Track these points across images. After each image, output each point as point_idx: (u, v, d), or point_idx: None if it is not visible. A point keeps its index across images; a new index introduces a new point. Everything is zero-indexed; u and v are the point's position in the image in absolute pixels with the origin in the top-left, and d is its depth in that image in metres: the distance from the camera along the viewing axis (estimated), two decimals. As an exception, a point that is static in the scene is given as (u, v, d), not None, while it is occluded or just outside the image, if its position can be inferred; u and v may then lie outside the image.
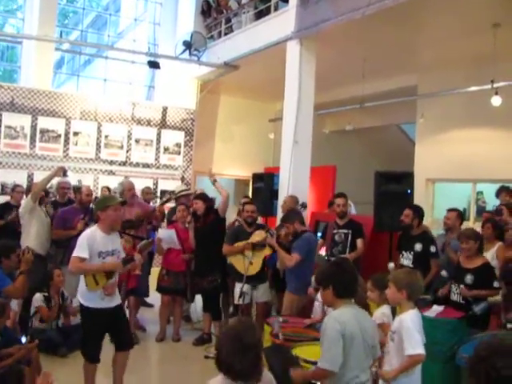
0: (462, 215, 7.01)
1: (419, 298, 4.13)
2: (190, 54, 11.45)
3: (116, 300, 4.97)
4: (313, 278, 6.43)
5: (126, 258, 5.08)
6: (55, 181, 7.61)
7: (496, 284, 5.51)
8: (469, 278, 5.62)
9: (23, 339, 4.57)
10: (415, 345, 3.67)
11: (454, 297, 5.78)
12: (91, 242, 4.73)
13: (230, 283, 7.25)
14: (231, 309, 7.83)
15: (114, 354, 5.04)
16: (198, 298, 7.51)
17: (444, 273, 6.32)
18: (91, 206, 7.64)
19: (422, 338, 3.77)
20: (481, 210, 10.68)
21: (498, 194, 7.91)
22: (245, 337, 2.90)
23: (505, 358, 1.39)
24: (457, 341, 5.31)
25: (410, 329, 3.71)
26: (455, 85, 9.45)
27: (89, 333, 4.90)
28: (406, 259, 6.49)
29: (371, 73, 9.98)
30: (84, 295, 4.81)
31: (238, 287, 6.58)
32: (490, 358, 1.40)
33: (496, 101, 8.59)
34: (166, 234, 7.23)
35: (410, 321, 3.75)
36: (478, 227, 7.20)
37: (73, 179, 9.62)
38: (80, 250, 4.69)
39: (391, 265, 6.40)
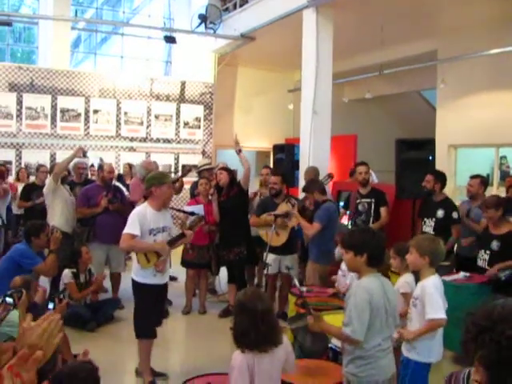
0: (485, 182, 6.94)
1: (440, 264, 4.13)
2: (206, 27, 11.37)
3: (166, 277, 5.04)
4: (337, 249, 6.48)
5: (177, 235, 5.09)
6: (73, 161, 7.67)
7: None
8: (495, 245, 5.60)
9: (50, 305, 4.63)
10: (437, 309, 3.69)
11: (480, 262, 5.77)
12: (142, 218, 4.71)
13: (260, 253, 7.27)
14: (256, 279, 7.90)
15: None
16: (223, 271, 7.59)
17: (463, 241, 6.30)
18: (114, 182, 7.73)
19: (443, 303, 3.78)
20: (505, 175, 10.56)
21: None
22: (254, 307, 2.98)
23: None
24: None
25: (432, 294, 3.73)
26: (476, 48, 9.26)
27: (144, 309, 4.92)
28: (428, 226, 6.47)
29: (390, 39, 9.84)
30: (137, 272, 4.83)
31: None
32: (496, 327, 1.38)
33: (518, 63, 8.43)
34: (194, 210, 7.19)
35: (432, 286, 3.77)
36: (502, 192, 7.15)
37: (94, 157, 9.71)
38: (131, 227, 4.67)
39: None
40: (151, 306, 4.91)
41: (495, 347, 1.36)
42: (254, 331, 2.95)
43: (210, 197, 7.31)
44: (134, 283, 4.88)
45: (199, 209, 7.11)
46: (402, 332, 3.81)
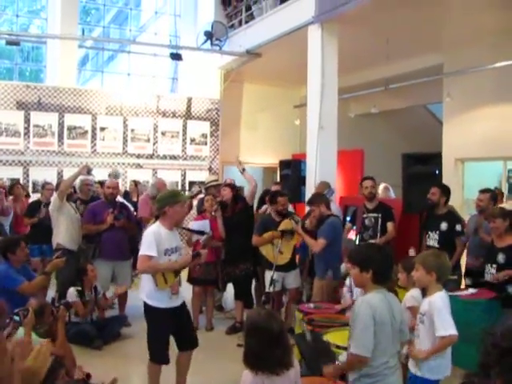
0: (495, 196, 6.90)
1: (447, 279, 4.09)
2: (212, 43, 11.43)
3: (181, 298, 4.86)
4: (343, 265, 6.44)
5: (193, 253, 5.00)
6: (78, 179, 7.68)
7: None
8: (501, 258, 5.57)
9: (16, 318, 4.52)
10: (447, 325, 3.65)
11: (488, 277, 5.72)
12: (158, 238, 4.57)
13: (260, 272, 7.27)
14: (263, 297, 7.85)
15: (177, 355, 4.94)
16: (230, 287, 7.55)
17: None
18: (119, 199, 7.73)
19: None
20: (513, 188, 10.51)
21: None
22: (269, 328, 2.92)
23: None
24: (491, 321, 5.24)
25: (441, 310, 3.69)
26: (482, 61, 9.25)
27: (159, 334, 4.73)
28: (432, 239, 6.44)
29: (395, 53, 9.85)
30: (152, 295, 4.64)
31: (268, 275, 6.58)
32: None
33: (524, 75, 8.40)
34: (200, 226, 7.16)
35: (440, 302, 3.73)
36: (510, 206, 7.10)
37: (102, 175, 9.74)
38: (148, 248, 4.52)
39: (411, 251, 6.35)
40: (167, 331, 4.75)
41: None
42: (268, 353, 2.89)
43: (213, 213, 7.29)
44: (148, 308, 4.69)
45: (205, 224, 7.10)
46: (412, 350, 3.77)
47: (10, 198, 8.89)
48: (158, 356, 4.75)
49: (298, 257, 7.22)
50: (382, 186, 9.27)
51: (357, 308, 3.37)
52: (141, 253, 4.56)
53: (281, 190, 7.84)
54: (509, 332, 1.36)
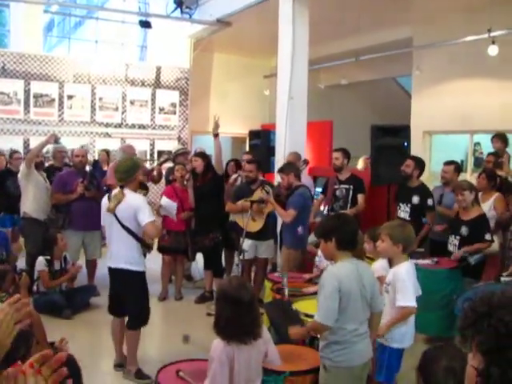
0: (459, 168, 7.03)
1: (414, 250, 4.19)
2: (182, 11, 11.23)
3: None
4: (312, 236, 6.52)
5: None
6: (51, 146, 7.59)
7: (488, 236, 5.57)
8: (464, 230, 5.70)
9: None
10: (407, 297, 3.75)
11: (451, 247, 5.86)
12: None
13: (236, 239, 7.29)
14: (234, 266, 7.92)
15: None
16: (200, 257, 7.59)
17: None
18: (88, 168, 7.66)
19: (415, 290, 3.83)
20: (478, 162, 10.70)
21: (491, 140, 7.80)
22: (239, 298, 2.96)
23: (510, 311, 1.38)
24: (451, 289, 5.42)
25: (404, 281, 3.78)
26: (451, 35, 9.33)
27: (146, 297, 5.01)
28: (403, 211, 6.54)
29: (366, 25, 9.86)
30: (136, 261, 4.85)
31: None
32: (495, 313, 1.39)
33: (493, 50, 8.48)
34: (168, 204, 7.15)
35: (404, 273, 3.82)
36: (475, 179, 7.25)
37: (70, 143, 9.61)
38: (151, 214, 4.82)
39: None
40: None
41: (493, 333, 1.36)
42: (237, 322, 2.93)
43: (185, 183, 7.29)
44: (134, 274, 4.84)
45: (172, 206, 7.08)
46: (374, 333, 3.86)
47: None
48: (146, 319, 4.99)
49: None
50: (362, 158, 9.34)
51: (323, 278, 3.45)
52: (149, 219, 4.72)
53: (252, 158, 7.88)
54: (486, 298, 1.43)
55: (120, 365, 5.13)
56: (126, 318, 5.05)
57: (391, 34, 10.82)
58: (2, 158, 8.79)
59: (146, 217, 4.71)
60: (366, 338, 3.46)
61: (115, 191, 4.91)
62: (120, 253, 4.84)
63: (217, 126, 7.08)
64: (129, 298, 4.93)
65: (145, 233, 4.83)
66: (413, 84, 11.13)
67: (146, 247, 4.96)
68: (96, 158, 10.63)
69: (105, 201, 4.97)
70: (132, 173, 4.88)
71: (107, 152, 10.10)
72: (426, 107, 10.46)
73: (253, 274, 7.21)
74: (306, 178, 7.33)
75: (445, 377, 1.93)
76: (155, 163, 11.00)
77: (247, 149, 11.54)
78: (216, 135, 7.04)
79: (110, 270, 4.97)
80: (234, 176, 7.82)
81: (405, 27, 10.57)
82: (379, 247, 4.02)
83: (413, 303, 3.77)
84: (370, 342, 3.54)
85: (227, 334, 2.95)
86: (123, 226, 4.76)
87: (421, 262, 5.57)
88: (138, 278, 4.89)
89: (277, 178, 7.01)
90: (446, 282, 5.56)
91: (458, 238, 5.76)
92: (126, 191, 4.82)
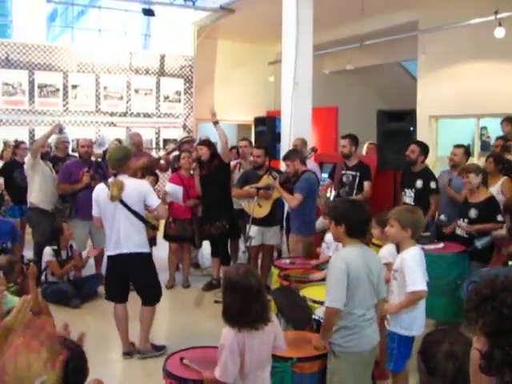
0: (468, 152, 6.99)
1: (420, 235, 4.16)
2: (185, -1, 11.21)
3: None
4: (318, 221, 6.51)
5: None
6: (54, 137, 7.59)
7: (500, 217, 5.54)
8: (473, 213, 5.66)
9: None
10: (416, 281, 3.72)
11: (459, 231, 5.84)
12: None
13: (243, 225, 7.30)
14: (240, 253, 7.93)
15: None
16: (206, 244, 7.60)
17: (443, 217, 6.32)
18: (93, 158, 7.66)
19: (424, 274, 3.81)
20: (485, 146, 10.64)
21: (501, 124, 7.74)
22: (248, 285, 2.95)
23: None
24: (458, 274, 5.40)
25: (411, 266, 3.76)
26: (457, 18, 9.23)
27: (157, 275, 5.26)
28: (408, 196, 6.52)
29: (370, 10, 9.77)
30: (145, 244, 5.07)
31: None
32: (498, 295, 1.39)
33: (499, 32, 8.37)
34: (173, 189, 7.20)
35: (411, 258, 3.79)
36: (482, 163, 7.21)
37: (75, 133, 9.61)
38: (157, 197, 5.13)
39: None
40: None
41: (496, 316, 1.37)
42: (247, 309, 2.91)
43: (191, 171, 7.29)
44: (145, 256, 5.08)
45: (178, 190, 7.09)
46: (383, 308, 3.85)
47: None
48: (160, 295, 5.29)
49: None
50: (366, 143, 9.31)
51: (331, 263, 3.45)
52: (158, 203, 5.03)
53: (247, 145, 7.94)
54: (490, 281, 1.43)
55: (128, 353, 5.16)
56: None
57: (396, 18, 10.73)
58: (9, 149, 8.81)
59: (156, 199, 5.02)
60: (373, 322, 3.47)
61: (111, 180, 4.97)
62: (131, 239, 4.93)
63: (213, 114, 7.11)
64: (143, 279, 5.13)
65: (148, 215, 5.11)
66: (418, 68, 11.05)
67: (152, 228, 5.28)
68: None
69: (101, 191, 4.97)
70: (124, 160, 4.99)
71: (119, 141, 10.06)
72: (431, 91, 10.39)
73: (259, 261, 7.21)
74: (312, 165, 7.30)
75: (445, 361, 1.92)
76: (161, 152, 11.00)
77: (253, 136, 11.52)
78: (215, 123, 7.04)
79: (119, 256, 4.99)
80: (234, 162, 7.81)
81: (410, 10, 10.48)
82: (388, 232, 4.00)
83: (423, 287, 3.75)
84: (377, 327, 3.54)
85: (238, 322, 2.93)
86: (132, 211, 4.87)
87: (427, 246, 5.55)
88: (149, 258, 5.15)
89: (283, 165, 6.99)
90: (454, 266, 5.54)
91: (466, 221, 5.73)
92: (123, 178, 4.91)
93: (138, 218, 4.93)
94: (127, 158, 5.02)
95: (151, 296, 5.20)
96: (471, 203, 5.74)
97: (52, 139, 7.85)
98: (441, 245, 5.83)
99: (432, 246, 5.74)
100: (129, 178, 4.98)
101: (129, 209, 4.86)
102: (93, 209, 5.07)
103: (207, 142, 7.29)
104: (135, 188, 4.91)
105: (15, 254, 6.01)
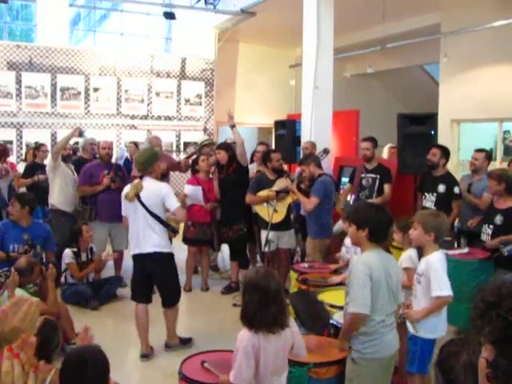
0: (490, 156, 6.90)
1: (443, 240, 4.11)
2: (206, 2, 11.25)
3: None
4: (337, 225, 6.46)
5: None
6: (82, 139, 7.74)
7: None
8: (498, 219, 5.56)
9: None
10: (443, 286, 3.68)
11: (484, 237, 5.74)
12: None
13: (257, 231, 7.31)
14: (258, 257, 7.92)
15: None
16: (225, 248, 7.59)
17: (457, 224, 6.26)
18: (117, 160, 7.72)
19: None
20: (508, 150, 10.51)
21: None
22: (266, 287, 2.93)
23: None
24: (483, 281, 5.30)
25: (437, 270, 3.71)
26: (479, 21, 9.14)
27: (177, 275, 5.34)
28: (429, 201, 6.44)
29: (391, 13, 9.71)
30: (166, 244, 5.15)
31: (264, 235, 6.62)
32: (503, 303, 1.35)
33: (523, 35, 8.30)
34: (192, 190, 7.20)
35: (437, 262, 3.75)
36: (504, 167, 7.12)
37: (97, 136, 9.65)
38: (176, 200, 5.15)
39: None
40: None
41: (502, 323, 1.33)
42: (265, 311, 2.89)
43: (210, 175, 7.30)
44: (166, 255, 5.14)
45: (197, 190, 7.10)
46: (408, 312, 3.81)
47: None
48: (180, 295, 5.39)
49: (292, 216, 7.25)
50: (387, 147, 9.24)
51: (353, 267, 3.41)
52: (178, 206, 5.08)
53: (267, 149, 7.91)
54: (496, 288, 1.38)
55: (146, 355, 5.17)
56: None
57: (418, 21, 10.66)
58: (31, 151, 8.91)
59: (175, 202, 5.04)
60: (393, 329, 3.42)
61: (134, 181, 5.09)
62: (149, 238, 5.03)
63: (231, 117, 7.13)
64: (164, 279, 5.20)
65: (170, 220, 5.11)
66: (440, 71, 10.96)
67: (172, 232, 5.23)
68: (123, 148, 10.71)
69: (126, 190, 5.13)
70: (151, 163, 5.07)
71: (135, 144, 10.12)
72: (454, 95, 10.29)
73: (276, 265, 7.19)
74: (326, 167, 7.27)
75: (464, 373, 1.87)
76: (181, 154, 11.03)
77: (273, 139, 11.50)
78: (232, 126, 7.06)
79: (139, 255, 5.11)
80: (254, 170, 7.79)
81: (432, 13, 10.40)
82: (411, 235, 3.98)
83: (449, 292, 3.71)
84: (397, 333, 3.50)
85: (255, 324, 2.91)
86: (151, 213, 4.97)
87: (452, 252, 5.48)
88: (170, 258, 5.20)
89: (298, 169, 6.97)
90: (478, 272, 5.44)
91: (491, 227, 5.64)
92: (147, 180, 5.01)
93: (158, 220, 5.02)
94: (153, 161, 5.10)
95: (170, 297, 5.26)
96: (497, 209, 5.64)
97: (80, 141, 7.99)
98: (466, 250, 5.76)
99: (457, 252, 5.67)
100: (151, 181, 5.05)
101: (147, 210, 4.97)
102: (122, 208, 5.27)
103: (225, 146, 7.30)
104: (154, 191, 4.99)
105: (46, 259, 6.06)
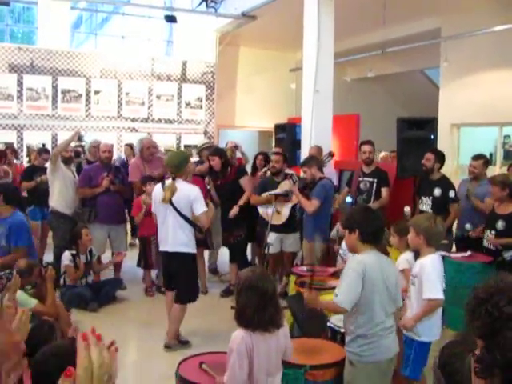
0: (488, 161, 6.91)
1: (440, 243, 4.11)
2: (207, 6, 11.26)
3: None
4: (337, 226, 6.47)
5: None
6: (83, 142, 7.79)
7: None
8: (500, 224, 5.58)
9: None
10: (433, 289, 3.69)
11: (485, 243, 5.75)
12: None
13: (261, 232, 7.28)
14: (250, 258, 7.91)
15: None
16: (225, 251, 7.59)
17: (468, 226, 6.25)
18: (114, 162, 7.73)
19: (441, 282, 3.77)
20: (508, 154, 10.52)
21: None
22: (261, 288, 2.93)
23: (506, 296, 1.38)
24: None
25: (429, 273, 3.73)
26: (480, 25, 9.16)
27: (197, 275, 5.56)
28: (425, 204, 6.46)
29: (392, 17, 9.72)
30: (191, 244, 5.31)
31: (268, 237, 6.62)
32: (492, 299, 1.39)
33: (523, 39, 8.31)
34: None
35: (430, 265, 3.76)
36: (504, 172, 7.12)
37: (97, 138, 9.69)
38: (204, 205, 5.21)
39: (407, 209, 6.35)
40: None
41: (488, 318, 1.37)
42: (261, 311, 2.89)
43: (208, 186, 7.25)
44: (189, 255, 5.30)
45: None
46: (403, 325, 3.82)
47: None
48: (197, 295, 5.55)
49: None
50: (382, 154, 9.25)
51: (348, 263, 3.44)
52: (203, 210, 5.17)
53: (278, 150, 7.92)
54: (488, 286, 1.42)
55: (169, 346, 5.40)
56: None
57: (418, 25, 10.68)
58: (34, 154, 8.91)
59: (202, 207, 5.16)
60: (392, 332, 3.41)
61: (168, 182, 5.25)
62: (177, 238, 5.22)
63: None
64: (183, 277, 5.35)
65: (197, 221, 5.24)
66: (441, 76, 10.98)
67: (199, 232, 5.40)
68: (123, 151, 10.70)
69: (157, 191, 5.31)
70: (181, 166, 5.24)
71: (131, 146, 10.11)
72: (453, 99, 10.30)
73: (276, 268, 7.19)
74: (329, 170, 7.29)
75: (470, 374, 1.88)
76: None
77: (273, 143, 11.52)
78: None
79: (167, 253, 5.33)
80: (265, 169, 7.79)
81: (432, 18, 10.42)
82: (408, 238, 4.01)
83: (440, 295, 3.71)
84: (396, 336, 3.50)
85: (253, 323, 2.90)
86: (181, 215, 5.16)
87: (454, 254, 5.49)
88: (192, 258, 5.37)
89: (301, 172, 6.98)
90: (479, 276, 5.44)
91: (493, 232, 5.64)
92: (179, 182, 5.17)
93: (186, 221, 5.19)
94: (184, 164, 5.28)
95: (185, 294, 5.39)
96: (499, 214, 5.65)
97: (84, 143, 8.03)
98: (467, 253, 5.77)
99: (459, 255, 5.68)
100: (183, 183, 5.23)
101: (178, 211, 5.14)
102: (152, 206, 5.53)
103: (218, 152, 7.22)
104: (185, 194, 5.15)
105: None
